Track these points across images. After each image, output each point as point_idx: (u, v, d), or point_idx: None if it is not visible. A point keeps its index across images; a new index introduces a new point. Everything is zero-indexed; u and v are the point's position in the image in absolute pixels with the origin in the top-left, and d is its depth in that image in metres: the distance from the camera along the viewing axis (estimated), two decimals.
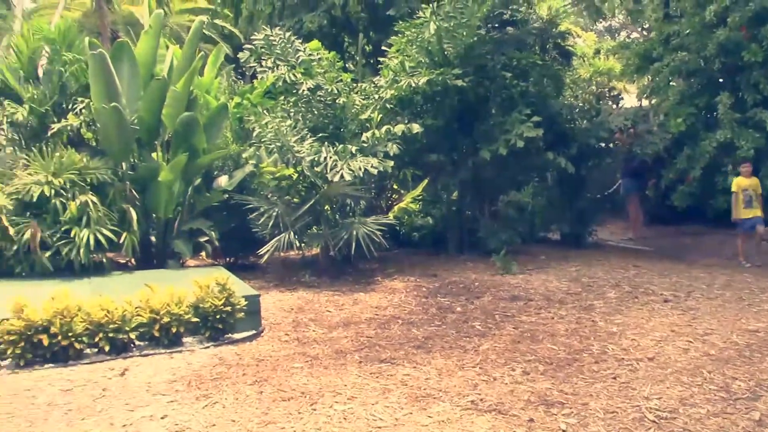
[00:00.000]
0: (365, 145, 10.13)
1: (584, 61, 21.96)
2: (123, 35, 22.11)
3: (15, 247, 8.81)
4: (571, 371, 5.74)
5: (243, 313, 6.99)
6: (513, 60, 11.75)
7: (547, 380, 5.51)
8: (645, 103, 17.14)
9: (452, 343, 6.67)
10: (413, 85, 10.68)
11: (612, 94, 14.81)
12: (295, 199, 10.83)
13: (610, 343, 6.57)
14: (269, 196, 10.62)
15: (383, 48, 12.22)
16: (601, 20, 24.35)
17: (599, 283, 9.43)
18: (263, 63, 10.71)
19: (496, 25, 12.53)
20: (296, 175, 10.67)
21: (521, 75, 11.77)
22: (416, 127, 10.25)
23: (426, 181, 12.55)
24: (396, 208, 12.76)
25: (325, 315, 8.00)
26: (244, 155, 10.64)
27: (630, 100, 18.50)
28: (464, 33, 11.11)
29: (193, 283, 7.02)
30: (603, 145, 12.93)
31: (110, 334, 6.34)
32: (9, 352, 6.07)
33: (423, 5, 11.69)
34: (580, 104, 13.18)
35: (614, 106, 14.04)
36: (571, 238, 13.24)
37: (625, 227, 16.03)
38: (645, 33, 21.59)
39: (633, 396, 5.14)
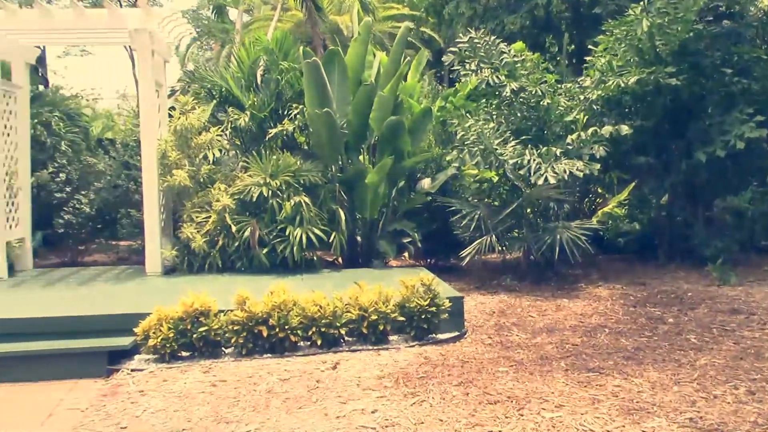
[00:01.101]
0: (570, 147, 9.88)
1: None
2: (329, 43, 23.21)
3: (236, 244, 9.52)
4: None
5: (447, 315, 7.05)
6: (733, 55, 10.93)
7: None
8: None
9: (665, 356, 6.32)
10: (622, 84, 10.26)
11: None
12: (495, 202, 10.80)
13: None
14: (470, 199, 10.66)
15: (590, 47, 11.84)
16: None
17: None
18: (466, 66, 10.78)
19: (710, 19, 11.72)
20: (497, 177, 10.62)
21: (742, 71, 10.91)
22: (625, 129, 9.85)
23: (633, 184, 12.00)
24: (600, 212, 12.29)
25: (528, 320, 7.89)
26: (447, 158, 10.75)
27: None
28: (678, 28, 10.49)
29: (399, 283, 7.20)
30: None
31: (322, 329, 6.65)
32: (233, 340, 6.55)
33: (632, 3, 11.16)
34: None
35: None
36: None
37: None
38: None
39: None
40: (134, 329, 6.58)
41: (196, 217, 9.69)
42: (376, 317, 6.78)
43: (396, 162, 10.31)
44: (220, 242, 9.57)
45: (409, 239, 10.57)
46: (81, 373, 6.30)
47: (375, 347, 6.76)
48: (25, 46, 10.52)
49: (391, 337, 6.99)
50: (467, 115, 10.89)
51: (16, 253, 10.13)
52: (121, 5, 14.37)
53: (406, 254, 11.29)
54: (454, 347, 6.79)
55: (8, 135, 9.95)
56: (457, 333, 7.18)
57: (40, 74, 17.25)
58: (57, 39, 11.61)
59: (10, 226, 9.93)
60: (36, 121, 11.17)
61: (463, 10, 18.07)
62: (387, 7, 26.29)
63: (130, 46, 13.96)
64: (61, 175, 11.42)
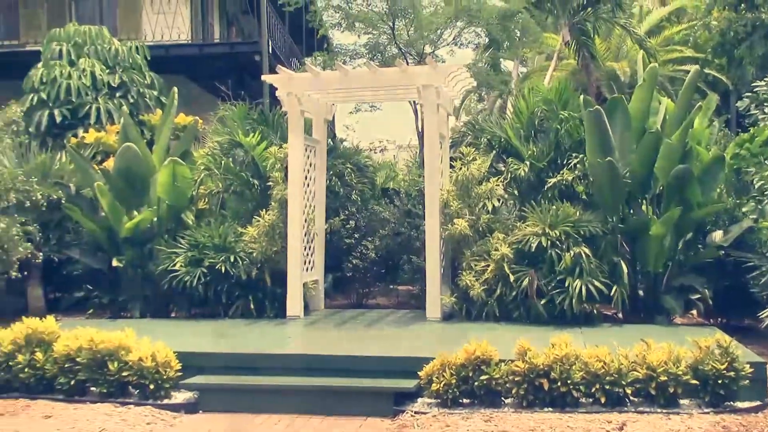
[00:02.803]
0: None
1: None
2: (604, 90, 22.71)
3: (514, 293, 9.57)
4: None
5: (747, 381, 6.44)
6: None
7: None
8: None
9: None
10: None
11: None
12: None
13: None
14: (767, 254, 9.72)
15: None
16: None
17: None
18: (765, 110, 9.95)
19: None
20: None
21: None
22: None
23: None
24: None
25: None
26: (743, 209, 9.93)
27: None
28: None
29: (689, 343, 6.73)
30: None
31: (606, 386, 6.40)
32: (513, 391, 6.54)
33: None
34: None
35: None
36: None
37: None
38: None
39: None
40: (418, 372, 6.83)
41: (475, 265, 9.89)
42: (666, 378, 6.37)
43: (684, 213, 9.70)
44: (498, 291, 9.66)
45: (698, 295, 9.84)
46: (369, 411, 6.68)
47: (664, 410, 6.36)
48: (324, 103, 11.58)
49: (681, 401, 6.53)
50: (766, 162, 10.00)
51: (311, 293, 11.05)
52: (407, 62, 15.30)
53: (694, 311, 10.55)
54: (756, 418, 6.17)
55: (308, 185, 10.94)
56: (759, 402, 6.52)
57: (329, 129, 18.81)
58: (352, 97, 12.65)
59: (307, 269, 10.86)
60: (331, 172, 12.16)
61: (759, 50, 16.72)
62: (669, 50, 25.14)
63: (414, 101, 14.80)
64: (350, 222, 12.27)
